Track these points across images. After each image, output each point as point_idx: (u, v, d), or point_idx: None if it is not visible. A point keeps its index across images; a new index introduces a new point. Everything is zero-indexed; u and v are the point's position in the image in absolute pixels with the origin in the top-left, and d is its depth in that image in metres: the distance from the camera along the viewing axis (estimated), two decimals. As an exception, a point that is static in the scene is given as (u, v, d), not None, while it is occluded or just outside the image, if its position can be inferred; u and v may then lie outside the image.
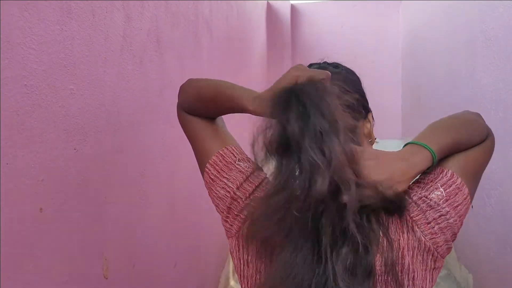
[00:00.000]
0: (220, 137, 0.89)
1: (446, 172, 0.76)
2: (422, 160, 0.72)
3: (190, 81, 0.97)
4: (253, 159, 0.71)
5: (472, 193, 0.78)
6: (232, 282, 3.25)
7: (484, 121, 0.86)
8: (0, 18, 0.92)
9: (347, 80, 0.84)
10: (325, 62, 0.91)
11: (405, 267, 0.70)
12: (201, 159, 0.88)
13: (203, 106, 0.89)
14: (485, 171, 0.86)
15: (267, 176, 0.85)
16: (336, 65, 0.89)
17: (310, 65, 0.90)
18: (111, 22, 1.41)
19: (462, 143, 0.78)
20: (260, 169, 0.85)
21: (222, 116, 0.97)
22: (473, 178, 0.79)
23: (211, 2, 2.73)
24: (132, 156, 1.59)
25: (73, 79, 1.19)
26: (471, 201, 0.78)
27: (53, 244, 1.11)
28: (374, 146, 0.87)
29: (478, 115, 0.86)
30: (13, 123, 0.96)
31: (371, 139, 0.85)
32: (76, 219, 1.21)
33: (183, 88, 0.96)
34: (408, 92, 5.17)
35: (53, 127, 1.11)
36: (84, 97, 1.25)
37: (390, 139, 5.13)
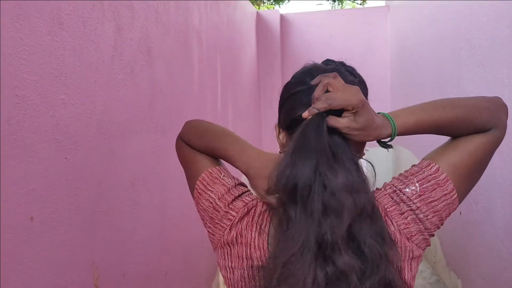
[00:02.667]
0: (211, 160, 0.92)
1: (432, 166, 0.77)
2: (382, 131, 0.73)
3: (196, 124, 0.99)
4: None
5: (462, 189, 0.77)
6: (223, 291, 3.25)
7: (501, 112, 0.81)
8: (-8, 29, 0.93)
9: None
10: (341, 63, 0.91)
11: None
12: (192, 179, 0.91)
13: (201, 147, 0.93)
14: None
15: (249, 190, 0.87)
16: (351, 71, 0.90)
17: (326, 61, 0.91)
18: (102, 32, 1.43)
19: (448, 125, 0.77)
20: (242, 184, 0.89)
21: None
22: (468, 174, 0.78)
23: (201, 12, 2.75)
24: (123, 165, 1.60)
25: (64, 89, 1.21)
26: (459, 198, 0.77)
27: (43, 253, 1.11)
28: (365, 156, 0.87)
29: (495, 103, 0.81)
30: (4, 132, 0.97)
31: (359, 154, 0.86)
32: (66, 228, 1.21)
33: (188, 127, 0.97)
34: (397, 100, 5.23)
35: (44, 137, 1.12)
36: (75, 107, 1.26)
37: (380, 147, 5.18)
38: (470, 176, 0.79)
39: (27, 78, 1.05)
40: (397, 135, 0.76)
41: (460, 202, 0.78)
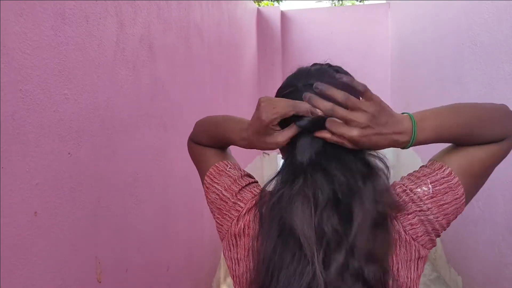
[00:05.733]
0: (219, 155, 0.94)
1: (444, 169, 0.76)
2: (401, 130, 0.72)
3: (201, 122, 1.03)
4: None
5: (469, 194, 0.78)
6: (223, 287, 3.25)
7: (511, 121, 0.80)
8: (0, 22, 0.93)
9: (345, 85, 0.85)
10: (327, 64, 0.92)
11: (389, 261, 0.72)
12: (202, 176, 0.93)
13: (208, 140, 0.96)
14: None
15: (256, 181, 0.87)
16: (337, 69, 0.89)
17: (314, 65, 0.91)
18: (105, 28, 1.43)
19: (468, 134, 0.76)
20: (249, 176, 0.89)
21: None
22: (475, 180, 0.78)
23: (202, 8, 2.75)
24: (126, 160, 1.60)
25: (68, 84, 1.20)
26: (466, 202, 0.77)
27: (47, 248, 1.12)
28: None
29: (505, 111, 0.79)
30: (8, 127, 0.97)
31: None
32: (70, 223, 1.22)
33: (195, 127, 1.03)
34: (397, 98, 5.23)
35: (48, 132, 1.12)
36: (78, 102, 1.26)
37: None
38: (478, 182, 0.79)
39: (31, 73, 1.05)
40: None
41: (465, 206, 0.79)
